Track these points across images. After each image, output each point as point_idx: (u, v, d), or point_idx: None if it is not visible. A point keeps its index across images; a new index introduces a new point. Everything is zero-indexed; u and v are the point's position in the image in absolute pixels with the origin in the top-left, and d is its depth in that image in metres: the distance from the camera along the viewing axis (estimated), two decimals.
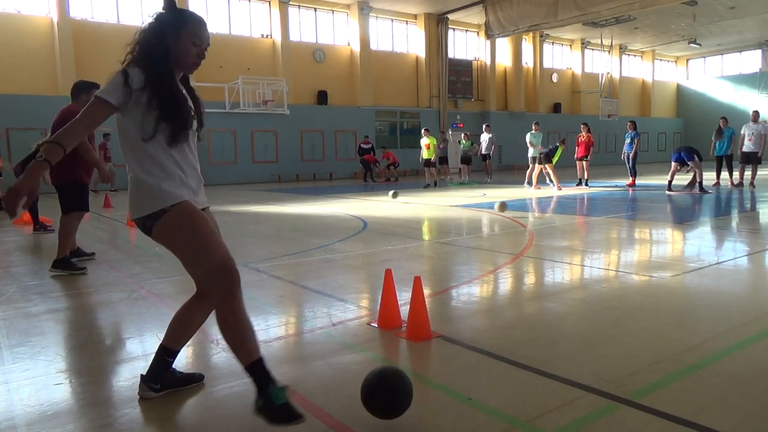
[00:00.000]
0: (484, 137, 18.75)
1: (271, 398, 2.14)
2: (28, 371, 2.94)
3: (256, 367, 2.21)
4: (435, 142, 17.24)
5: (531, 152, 15.47)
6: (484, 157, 18.97)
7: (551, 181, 14.66)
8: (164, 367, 2.53)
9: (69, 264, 5.44)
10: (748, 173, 13.64)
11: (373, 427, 2.23)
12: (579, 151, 15.37)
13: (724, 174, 14.18)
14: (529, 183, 15.33)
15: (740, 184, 13.61)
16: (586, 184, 14.99)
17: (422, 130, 17.76)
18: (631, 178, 14.93)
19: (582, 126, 15.40)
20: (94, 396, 2.64)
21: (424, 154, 17.14)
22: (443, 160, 18.94)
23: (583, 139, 15.21)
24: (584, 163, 15.22)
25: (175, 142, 2.29)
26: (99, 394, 2.67)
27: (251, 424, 2.29)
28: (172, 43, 2.28)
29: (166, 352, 2.53)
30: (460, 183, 18.53)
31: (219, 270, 2.24)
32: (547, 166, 14.49)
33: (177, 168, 2.31)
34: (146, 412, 2.43)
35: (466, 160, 19.05)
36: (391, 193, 13.09)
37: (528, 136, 15.62)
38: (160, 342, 2.54)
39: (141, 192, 2.26)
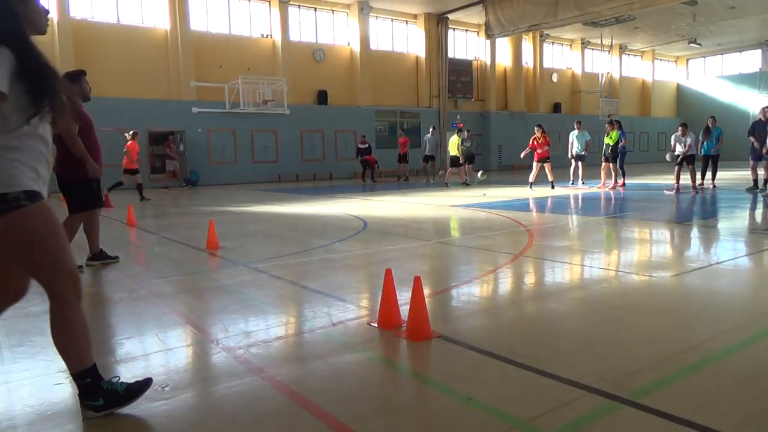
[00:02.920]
0: (430, 138, 19.13)
1: (115, 388, 2.37)
2: (28, 371, 2.94)
3: (91, 371, 2.33)
4: (459, 141, 17.43)
5: (575, 150, 15.65)
6: (428, 159, 19.29)
7: (611, 179, 14.81)
8: (97, 383, 2.35)
9: (103, 255, 5.67)
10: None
11: (373, 427, 2.24)
12: (539, 153, 14.89)
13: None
14: (574, 182, 15.60)
15: (702, 185, 13.45)
16: (552, 187, 14.78)
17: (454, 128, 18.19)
18: (620, 179, 14.84)
19: (536, 128, 14.89)
20: None
21: (452, 151, 17.38)
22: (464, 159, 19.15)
23: (539, 141, 14.81)
24: (546, 165, 14.84)
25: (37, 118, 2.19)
26: None
27: (251, 424, 2.30)
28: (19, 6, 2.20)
29: (81, 376, 2.33)
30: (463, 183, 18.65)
31: (71, 275, 2.29)
32: (611, 165, 14.60)
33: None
34: (146, 412, 2.43)
35: (471, 159, 19.18)
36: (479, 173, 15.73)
37: (571, 136, 15.80)
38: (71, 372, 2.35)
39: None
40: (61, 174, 5.33)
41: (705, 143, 13.55)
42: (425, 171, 19.75)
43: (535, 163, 14.85)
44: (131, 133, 13.77)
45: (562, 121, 32.75)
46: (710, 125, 13.45)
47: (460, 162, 17.29)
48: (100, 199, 5.65)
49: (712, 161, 13.66)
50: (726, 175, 17.32)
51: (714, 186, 13.56)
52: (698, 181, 13.28)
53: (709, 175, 13.73)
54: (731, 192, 12.75)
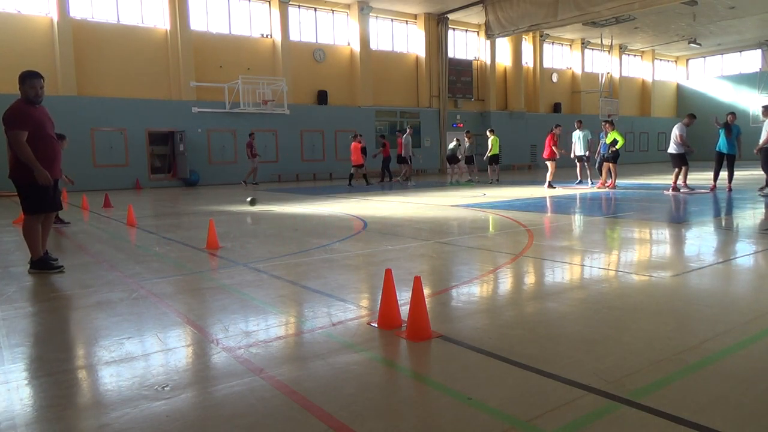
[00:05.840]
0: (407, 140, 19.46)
1: None
2: (28, 371, 2.94)
3: None
4: (498, 141, 18.23)
5: (578, 151, 15.91)
6: (405, 160, 19.60)
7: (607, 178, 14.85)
8: None
9: (46, 264, 5.41)
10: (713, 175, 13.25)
11: (373, 427, 2.23)
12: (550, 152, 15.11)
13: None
14: (581, 182, 15.76)
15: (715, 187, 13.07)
16: (551, 186, 14.99)
17: (488, 131, 18.83)
18: (610, 179, 14.76)
19: (557, 127, 15.29)
20: (94, 396, 2.65)
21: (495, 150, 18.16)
22: (470, 159, 19.22)
23: (555, 140, 15.14)
24: (551, 164, 15.13)
25: None
26: (99, 394, 2.67)
27: (251, 424, 2.29)
28: None
29: None
30: (467, 182, 18.69)
31: None
32: (611, 165, 14.59)
33: None
34: (146, 412, 2.43)
35: (470, 159, 19.20)
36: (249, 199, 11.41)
37: (574, 135, 15.98)
38: None
39: None
40: (13, 177, 5.27)
41: (724, 140, 12.68)
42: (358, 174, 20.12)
43: (550, 162, 15.07)
44: (353, 135, 17.93)
45: (562, 121, 32.79)
46: (730, 121, 12.69)
47: (494, 161, 18.29)
48: (54, 202, 5.49)
49: (729, 161, 12.82)
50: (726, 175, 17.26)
51: (714, 188, 12.99)
52: (709, 184, 13.12)
53: (716, 174, 13.06)
54: (733, 192, 12.71)
